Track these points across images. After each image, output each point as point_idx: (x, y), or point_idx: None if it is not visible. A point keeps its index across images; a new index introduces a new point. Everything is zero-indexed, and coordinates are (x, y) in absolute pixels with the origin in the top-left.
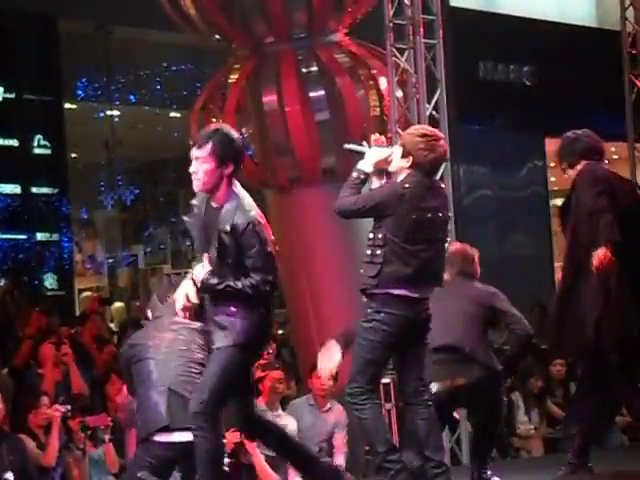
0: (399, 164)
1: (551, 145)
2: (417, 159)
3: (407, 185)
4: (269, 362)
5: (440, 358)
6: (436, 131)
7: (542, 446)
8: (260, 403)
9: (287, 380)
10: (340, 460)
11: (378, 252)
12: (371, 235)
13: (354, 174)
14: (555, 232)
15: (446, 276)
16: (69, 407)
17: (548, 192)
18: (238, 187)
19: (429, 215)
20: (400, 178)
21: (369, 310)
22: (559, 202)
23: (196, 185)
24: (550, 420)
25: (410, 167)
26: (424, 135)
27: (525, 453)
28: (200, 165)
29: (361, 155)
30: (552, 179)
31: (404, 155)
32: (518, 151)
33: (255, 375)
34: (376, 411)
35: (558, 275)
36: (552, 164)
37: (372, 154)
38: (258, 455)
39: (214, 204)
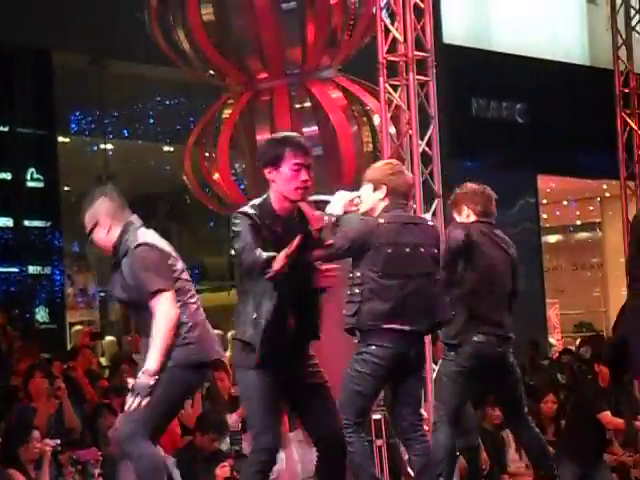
0: (374, 199)
1: (543, 182)
2: (390, 184)
3: (381, 220)
4: None
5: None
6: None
7: None
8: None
9: None
10: None
11: (356, 291)
12: (350, 275)
13: (325, 219)
14: (547, 269)
15: (466, 213)
16: (59, 442)
17: (540, 229)
18: None
19: (407, 250)
20: (376, 214)
21: (361, 343)
22: (551, 239)
23: (306, 194)
24: None
25: (386, 196)
26: (387, 163)
27: None
28: (311, 173)
29: (327, 203)
30: (544, 216)
31: (376, 188)
32: (510, 188)
33: None
34: (362, 445)
35: (549, 312)
36: (544, 201)
37: (337, 198)
38: None
39: (294, 216)
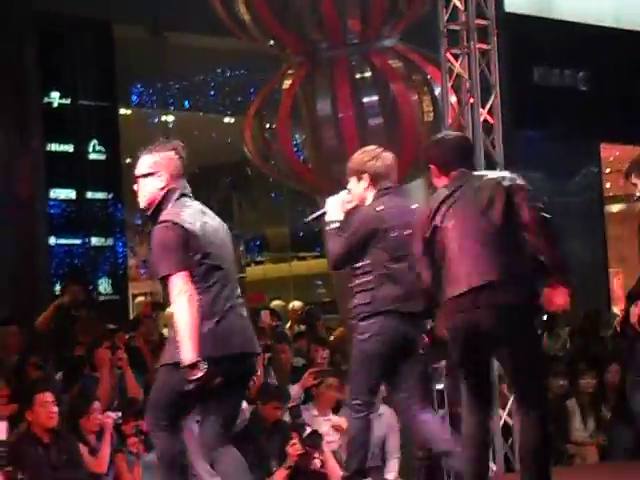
0: (360, 190)
1: (606, 151)
2: (371, 171)
3: (380, 207)
4: (323, 369)
5: None
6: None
7: (597, 453)
8: (311, 408)
9: (341, 386)
10: (394, 465)
11: (369, 278)
12: (356, 265)
13: (328, 227)
14: (610, 238)
15: None
16: (120, 414)
17: (603, 198)
18: None
19: (406, 233)
20: (368, 203)
21: (362, 324)
22: (614, 208)
23: None
24: (605, 427)
25: (371, 183)
26: (364, 151)
27: (580, 460)
28: None
29: (324, 214)
30: (607, 185)
31: (359, 178)
32: (573, 157)
33: (309, 382)
34: (364, 423)
35: (612, 282)
36: (607, 170)
37: (331, 204)
38: (332, 459)
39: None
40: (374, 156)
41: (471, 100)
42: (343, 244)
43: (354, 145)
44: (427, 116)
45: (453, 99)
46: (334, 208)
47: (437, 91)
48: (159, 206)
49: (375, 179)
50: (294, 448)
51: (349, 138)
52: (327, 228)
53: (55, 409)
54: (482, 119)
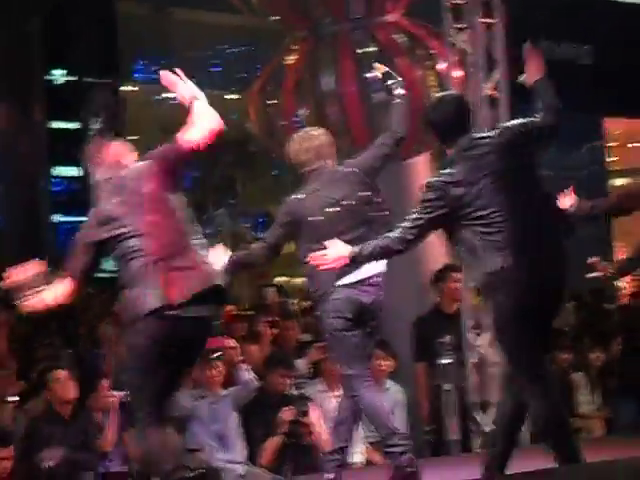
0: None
1: (610, 125)
2: (295, 160)
3: (299, 196)
4: None
5: None
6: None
7: (603, 427)
8: (319, 384)
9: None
10: None
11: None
12: (302, 251)
13: None
14: None
15: None
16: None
17: (607, 172)
18: None
19: (337, 210)
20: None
21: (323, 307)
22: (618, 182)
23: None
24: (611, 401)
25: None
26: (295, 139)
27: (586, 433)
28: None
29: None
30: (612, 159)
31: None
32: (577, 131)
33: (316, 355)
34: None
35: (617, 255)
36: (612, 144)
37: None
38: (322, 427)
39: None
40: (300, 141)
41: (475, 75)
42: (269, 234)
43: (357, 120)
44: (432, 91)
45: (458, 74)
46: None
47: (441, 66)
48: None
49: (296, 166)
50: (287, 414)
51: (352, 113)
52: None
53: (72, 382)
54: (487, 94)
